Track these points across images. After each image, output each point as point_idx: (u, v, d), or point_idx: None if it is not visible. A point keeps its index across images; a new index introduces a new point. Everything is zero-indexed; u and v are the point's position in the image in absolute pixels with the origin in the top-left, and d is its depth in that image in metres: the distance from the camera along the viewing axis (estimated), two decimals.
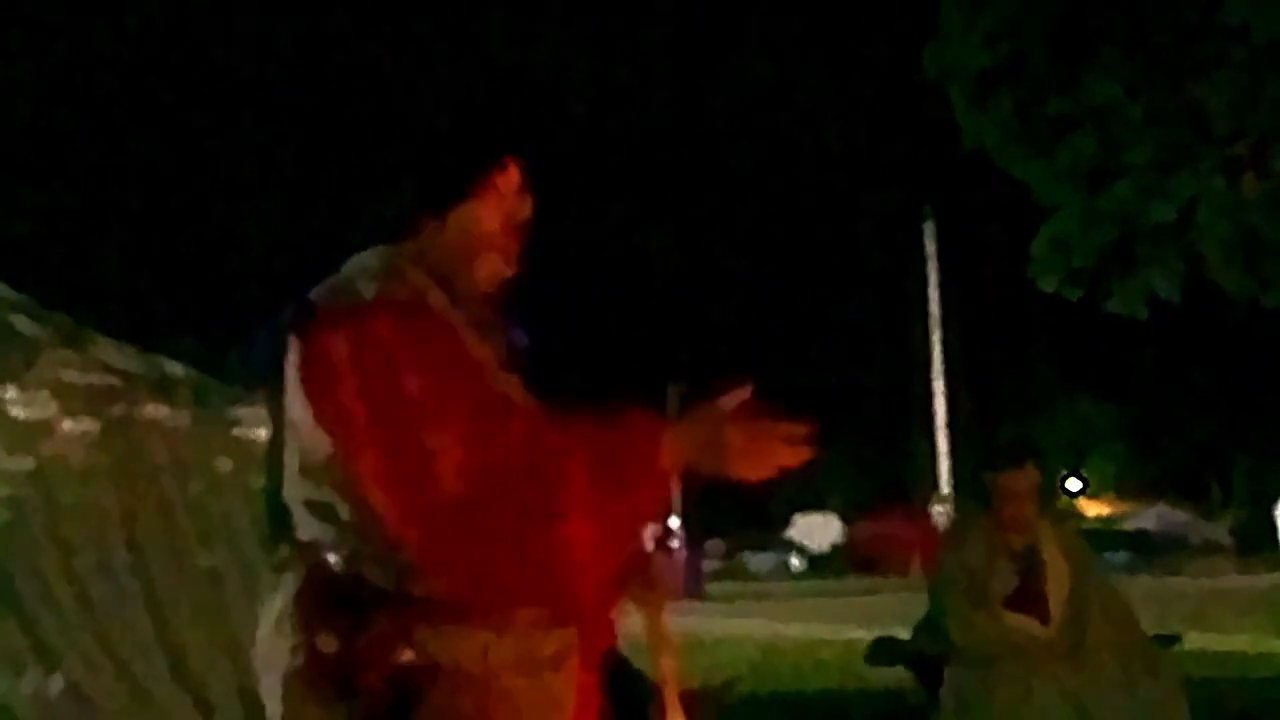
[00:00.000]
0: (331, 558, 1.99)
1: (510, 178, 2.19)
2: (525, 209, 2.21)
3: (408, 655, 1.94)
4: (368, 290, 2.04)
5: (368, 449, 1.96)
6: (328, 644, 1.95)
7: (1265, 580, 27.51)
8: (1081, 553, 4.89)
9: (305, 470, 2.04)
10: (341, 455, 1.99)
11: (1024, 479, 4.77)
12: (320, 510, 2.02)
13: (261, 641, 2.05)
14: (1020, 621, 4.66)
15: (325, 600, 1.98)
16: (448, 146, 2.22)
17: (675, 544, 30.24)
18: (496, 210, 2.17)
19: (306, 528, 2.04)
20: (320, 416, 2.01)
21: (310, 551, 2.02)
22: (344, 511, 2.00)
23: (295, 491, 2.06)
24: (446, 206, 2.16)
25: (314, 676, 1.96)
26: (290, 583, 2.03)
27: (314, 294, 2.08)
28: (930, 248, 31.71)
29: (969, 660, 4.71)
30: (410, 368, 1.96)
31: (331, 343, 1.99)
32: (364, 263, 2.12)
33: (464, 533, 1.93)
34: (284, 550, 2.06)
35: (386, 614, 1.95)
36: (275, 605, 2.03)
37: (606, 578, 2.05)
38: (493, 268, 2.19)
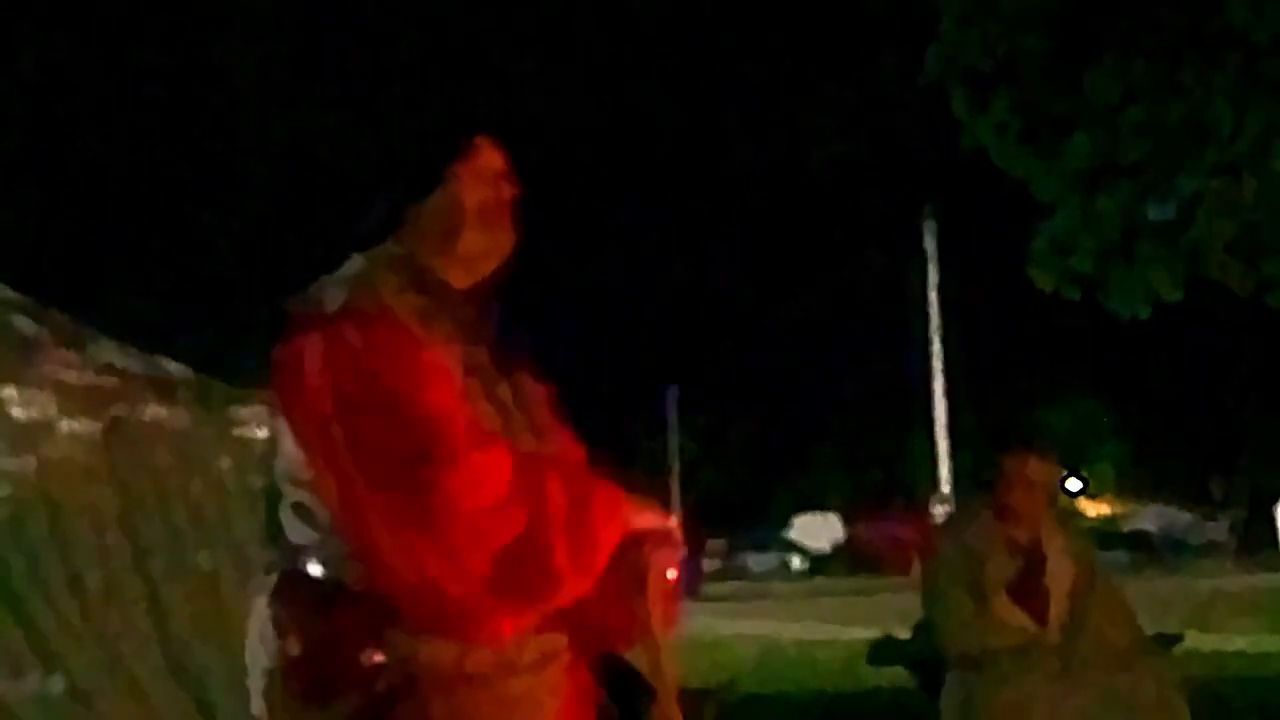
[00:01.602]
0: (313, 560, 2.00)
1: (489, 158, 2.18)
2: (507, 188, 2.19)
3: (378, 657, 1.93)
4: (333, 301, 2.03)
5: (324, 456, 1.97)
6: (296, 648, 1.96)
7: (1265, 580, 27.50)
8: (1086, 553, 4.86)
9: (290, 474, 2.05)
10: (315, 465, 2.00)
11: (1039, 467, 4.68)
12: (303, 514, 2.03)
13: (248, 645, 2.06)
14: (1018, 617, 4.62)
15: (299, 604, 1.99)
16: (448, 146, 2.21)
17: None
18: (476, 188, 2.16)
19: (293, 531, 2.04)
20: (292, 422, 2.02)
21: (294, 555, 2.02)
22: (321, 515, 2.00)
23: (284, 494, 2.07)
24: (429, 194, 2.16)
25: (290, 680, 1.96)
26: (273, 585, 2.03)
27: (289, 302, 2.08)
28: (930, 248, 31.67)
29: (967, 660, 4.69)
30: (368, 378, 1.95)
31: (298, 351, 2.00)
32: (344, 270, 2.12)
33: (399, 547, 1.92)
34: (274, 554, 2.07)
35: (356, 616, 1.94)
36: (261, 609, 2.03)
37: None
38: (478, 245, 2.17)
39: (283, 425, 2.04)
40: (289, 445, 2.03)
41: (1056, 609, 4.64)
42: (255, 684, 2.02)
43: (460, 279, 2.17)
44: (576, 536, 1.97)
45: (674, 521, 2.24)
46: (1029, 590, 4.64)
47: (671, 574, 2.15)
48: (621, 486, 2.18)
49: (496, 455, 1.98)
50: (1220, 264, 8.16)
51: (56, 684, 5.10)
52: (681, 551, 2.20)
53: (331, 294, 2.05)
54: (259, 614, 2.04)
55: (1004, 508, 4.66)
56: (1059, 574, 4.66)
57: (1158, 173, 8.07)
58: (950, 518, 6.05)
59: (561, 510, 1.96)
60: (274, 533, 2.10)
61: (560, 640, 2.07)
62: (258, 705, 2.02)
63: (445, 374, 2.01)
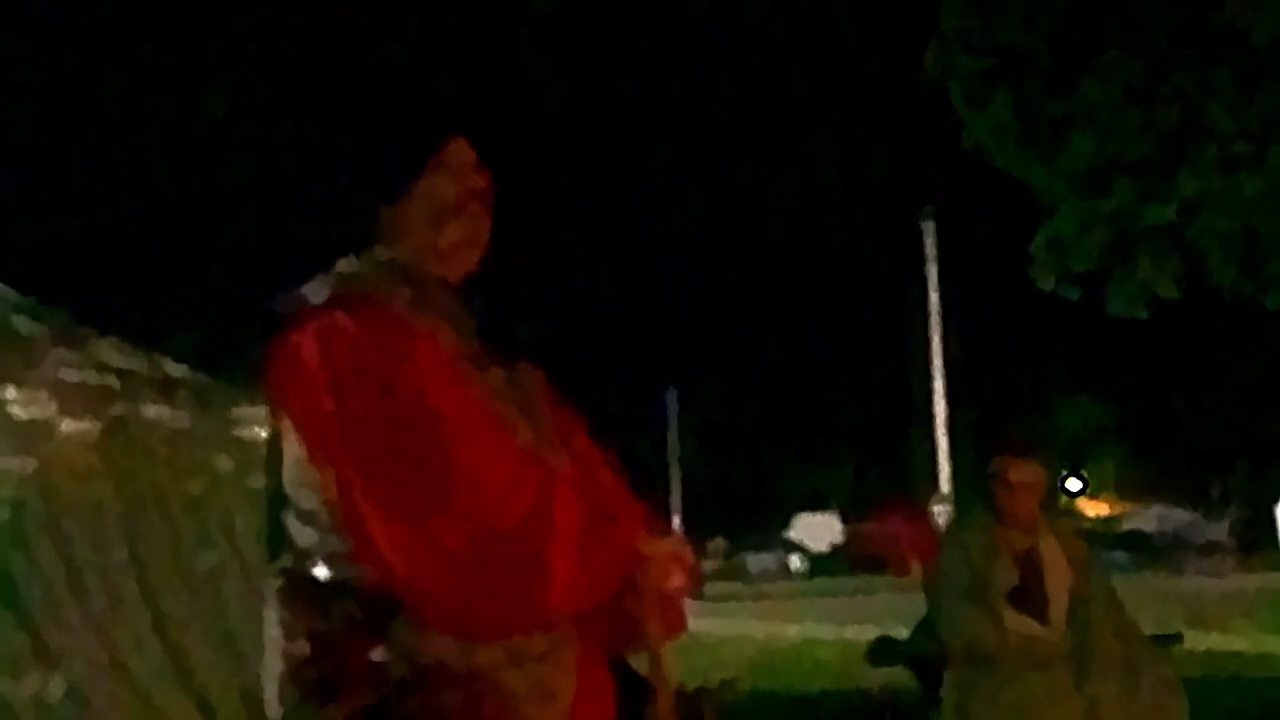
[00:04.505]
0: (318, 562, 2.00)
1: (460, 152, 2.18)
2: (480, 179, 2.20)
3: (385, 654, 1.93)
4: (321, 295, 2.04)
5: (321, 448, 1.97)
6: (304, 648, 1.96)
7: (1265, 580, 27.50)
8: (1081, 553, 4.87)
9: (295, 477, 2.05)
10: (312, 461, 1.99)
11: (1030, 471, 4.71)
12: (306, 516, 2.03)
13: (266, 647, 2.06)
14: (1021, 621, 4.63)
15: (305, 605, 1.99)
16: (422, 145, 2.21)
17: None
18: (451, 181, 2.16)
19: (298, 534, 2.05)
20: (289, 415, 2.02)
21: (300, 557, 2.03)
22: (324, 515, 2.00)
23: (290, 498, 2.07)
24: (404, 191, 2.16)
25: (301, 681, 1.97)
26: (279, 588, 2.04)
27: (278, 303, 2.09)
28: (930, 248, 31.66)
29: (968, 660, 4.69)
30: (364, 366, 1.95)
31: (293, 343, 2.00)
32: (334, 269, 2.13)
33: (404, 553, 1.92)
34: (284, 557, 2.07)
35: (361, 614, 1.95)
36: (273, 611, 2.04)
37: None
38: (460, 236, 2.17)
39: (287, 427, 2.04)
40: (293, 448, 2.03)
41: (1057, 610, 4.65)
42: (269, 687, 2.03)
43: (446, 271, 2.17)
44: (586, 559, 1.96)
45: (684, 545, 2.22)
46: (1029, 594, 4.65)
47: (675, 583, 2.14)
48: (639, 503, 2.18)
49: (496, 447, 1.98)
50: (1220, 264, 8.16)
51: (56, 684, 5.09)
52: (688, 568, 2.18)
53: (321, 289, 2.06)
54: (270, 618, 2.04)
55: (999, 511, 4.69)
56: (1057, 574, 4.68)
57: (1158, 173, 8.07)
58: (951, 527, 6.04)
59: (571, 528, 1.95)
60: (279, 536, 2.10)
61: (570, 630, 2.06)
62: (273, 708, 2.02)
63: (443, 363, 2.01)
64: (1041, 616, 4.65)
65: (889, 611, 12.77)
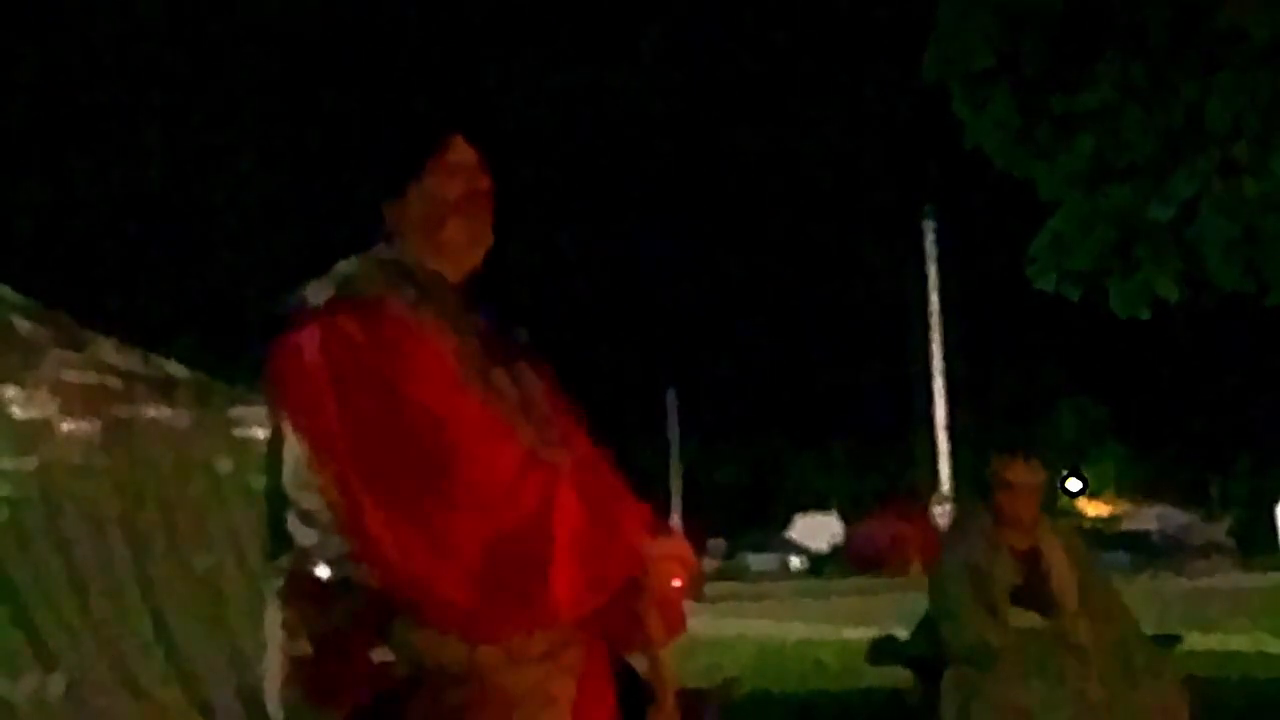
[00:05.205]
0: (319, 561, 2.00)
1: (462, 152, 2.19)
2: (483, 179, 2.20)
3: (385, 654, 1.93)
4: (324, 296, 2.04)
5: (323, 449, 1.97)
6: (305, 647, 1.96)
7: (1265, 580, 27.50)
8: (1082, 553, 4.87)
9: (295, 476, 2.05)
10: (314, 461, 1.99)
11: (1030, 473, 4.72)
12: (307, 516, 2.03)
13: (267, 647, 2.06)
14: (1026, 617, 4.63)
15: (306, 604, 1.99)
16: (423, 144, 2.21)
17: None
18: (453, 181, 2.17)
19: (299, 533, 2.04)
20: (290, 417, 2.03)
21: (301, 557, 2.02)
22: (325, 515, 2.00)
23: (291, 497, 2.07)
24: (405, 190, 2.17)
25: (301, 681, 1.97)
26: (280, 588, 2.04)
27: (279, 303, 2.09)
28: (930, 248, 31.67)
29: (969, 660, 4.69)
30: (366, 370, 1.95)
31: (294, 345, 2.00)
32: (335, 269, 2.13)
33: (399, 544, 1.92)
34: (285, 557, 2.07)
35: (362, 613, 1.94)
36: (274, 611, 2.04)
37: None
38: (462, 235, 2.17)
39: (287, 428, 2.04)
40: (293, 448, 2.03)
41: (1069, 600, 4.64)
42: (271, 689, 2.02)
43: (448, 270, 2.18)
44: (587, 560, 1.95)
45: (686, 545, 2.21)
46: (1032, 593, 4.66)
47: (676, 583, 2.14)
48: (641, 503, 2.18)
49: (498, 447, 1.98)
50: (1220, 264, 8.15)
51: (56, 684, 5.09)
52: (690, 568, 2.17)
53: (323, 290, 2.06)
54: (271, 617, 2.04)
55: (999, 512, 4.70)
56: (1060, 574, 4.68)
57: (1158, 173, 8.06)
58: (952, 527, 6.06)
59: (573, 528, 1.94)
60: (279, 536, 2.10)
61: (571, 630, 2.05)
62: (273, 708, 2.02)
63: (444, 364, 2.02)
64: (1046, 615, 4.65)
65: (889, 611, 12.76)
